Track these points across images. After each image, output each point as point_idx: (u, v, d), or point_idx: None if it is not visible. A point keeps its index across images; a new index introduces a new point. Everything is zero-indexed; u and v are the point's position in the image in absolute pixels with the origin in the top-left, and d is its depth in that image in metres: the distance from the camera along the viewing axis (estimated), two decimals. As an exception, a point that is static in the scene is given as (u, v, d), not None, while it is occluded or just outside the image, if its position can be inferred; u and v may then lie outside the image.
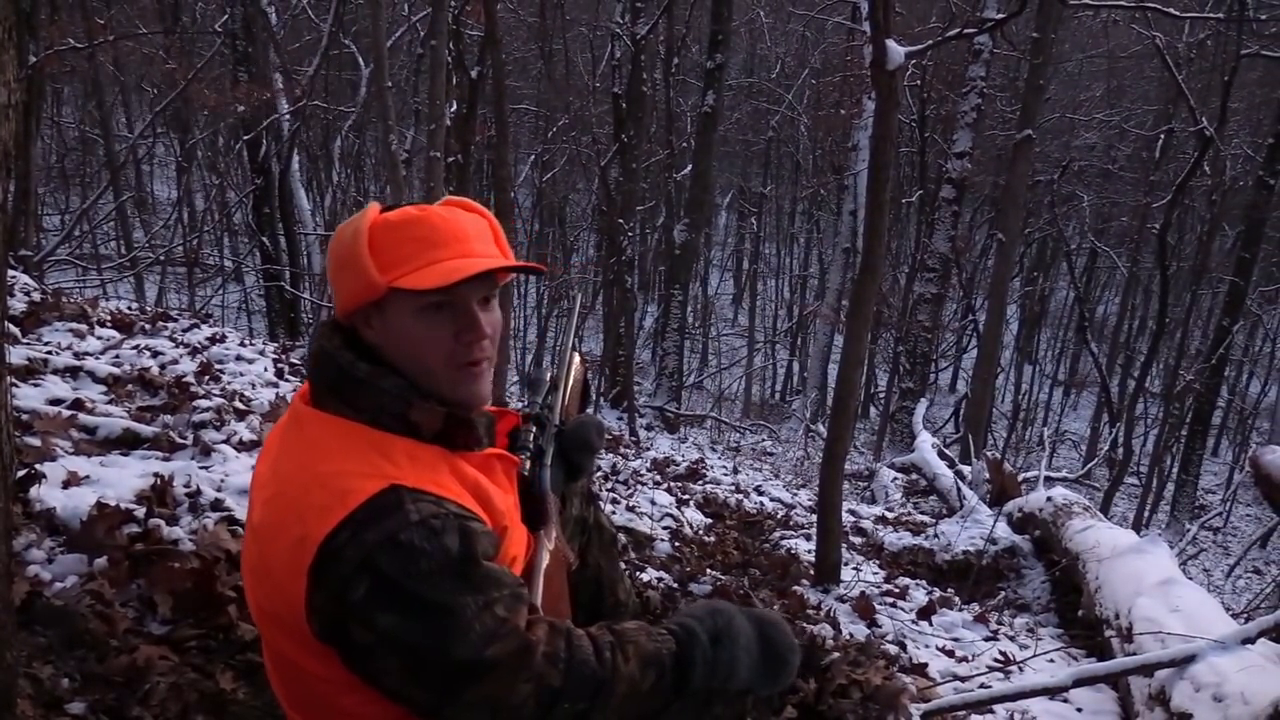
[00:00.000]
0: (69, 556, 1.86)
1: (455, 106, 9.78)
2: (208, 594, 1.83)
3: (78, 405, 2.74)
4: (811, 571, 3.47)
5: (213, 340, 4.56)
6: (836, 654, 2.32)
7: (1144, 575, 3.10)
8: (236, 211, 15.26)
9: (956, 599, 3.67)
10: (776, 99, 18.61)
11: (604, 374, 13.23)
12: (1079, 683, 2.43)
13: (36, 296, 4.20)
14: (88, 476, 2.19)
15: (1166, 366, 15.87)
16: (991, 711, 2.39)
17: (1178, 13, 8.21)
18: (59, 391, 2.85)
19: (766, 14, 19.13)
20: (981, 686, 2.51)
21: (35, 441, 2.33)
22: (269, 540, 1.11)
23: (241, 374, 3.93)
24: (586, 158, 16.19)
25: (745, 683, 1.19)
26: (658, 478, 5.62)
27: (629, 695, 1.11)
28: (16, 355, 2.99)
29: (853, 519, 5.37)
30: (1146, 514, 12.16)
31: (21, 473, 2.00)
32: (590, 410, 1.78)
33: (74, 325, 3.85)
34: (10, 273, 3.24)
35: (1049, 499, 4.55)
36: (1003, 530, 4.72)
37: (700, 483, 5.93)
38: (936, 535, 4.86)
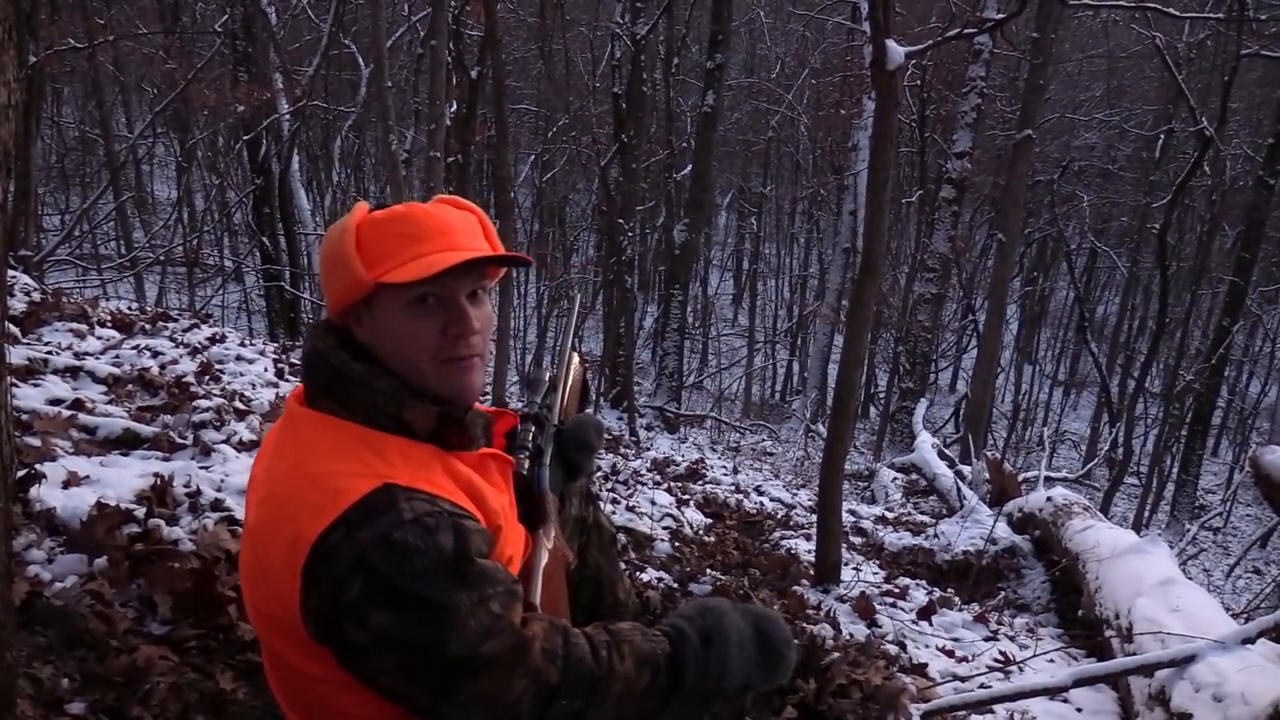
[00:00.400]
0: (69, 556, 1.86)
1: (455, 106, 9.78)
2: (208, 594, 1.83)
3: (78, 405, 2.74)
4: (811, 571, 3.47)
5: (213, 340, 4.56)
6: (836, 654, 2.32)
7: (1144, 575, 3.10)
8: (236, 211, 15.27)
9: (956, 599, 3.67)
10: (776, 99, 18.60)
11: (604, 374, 13.23)
12: (1079, 683, 2.43)
13: (36, 296, 4.20)
14: (88, 476, 2.19)
15: (1166, 366, 15.87)
16: (991, 711, 2.39)
17: (1178, 13, 8.22)
18: (59, 391, 2.85)
19: (766, 14, 19.13)
20: (981, 686, 2.51)
21: (35, 441, 2.33)
22: (264, 541, 1.11)
23: (241, 374, 3.93)
24: (586, 158, 16.19)
25: (741, 679, 1.19)
26: (658, 478, 5.62)
27: (624, 694, 1.12)
28: (16, 355, 2.99)
29: (853, 519, 5.37)
30: (1146, 514, 12.16)
31: (21, 473, 2.00)
32: (590, 410, 1.78)
33: (74, 325, 3.85)
34: (10, 273, 3.24)
35: (1049, 499, 4.55)
36: (1003, 530, 4.72)
37: (700, 483, 5.93)
38: (936, 535, 4.86)
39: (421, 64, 11.75)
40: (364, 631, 1.04)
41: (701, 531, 4.09)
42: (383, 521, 1.04)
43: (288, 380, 4.13)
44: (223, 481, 2.37)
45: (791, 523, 4.90)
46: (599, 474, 4.99)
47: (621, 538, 3.44)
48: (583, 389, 1.72)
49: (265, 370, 4.15)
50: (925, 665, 2.66)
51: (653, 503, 4.21)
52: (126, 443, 2.62)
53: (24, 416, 2.49)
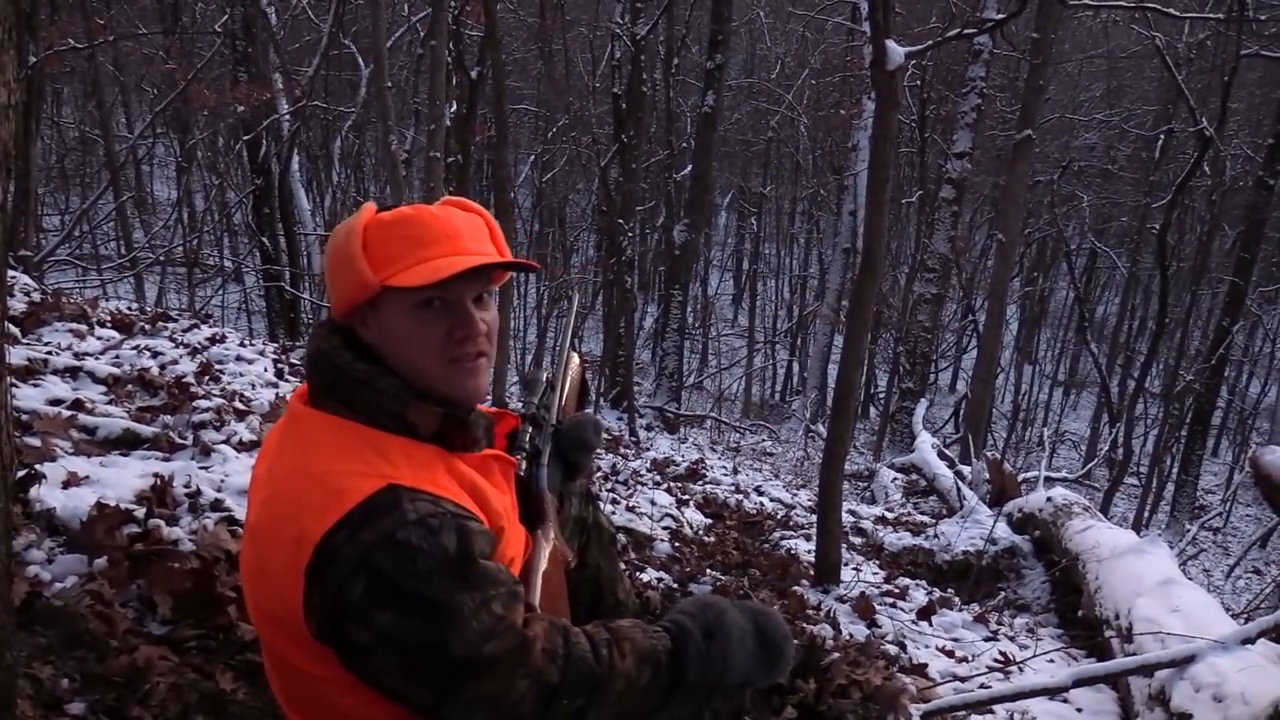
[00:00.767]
0: (69, 556, 1.85)
1: (455, 106, 9.78)
2: (208, 594, 1.83)
3: (78, 405, 2.74)
4: (811, 571, 3.47)
5: (213, 340, 4.56)
6: (836, 654, 2.32)
7: (1144, 575, 3.10)
8: (236, 212, 15.27)
9: (956, 599, 3.67)
10: (776, 99, 18.61)
11: (604, 374, 13.23)
12: (1079, 683, 2.43)
13: (36, 296, 4.20)
14: (88, 477, 2.19)
15: (1166, 366, 15.87)
16: (991, 711, 2.39)
17: (1178, 13, 8.22)
18: (59, 391, 2.85)
19: (766, 14, 19.13)
20: (981, 686, 2.51)
21: (35, 441, 2.33)
22: (266, 541, 1.11)
23: (241, 374, 3.93)
24: (586, 158, 16.19)
25: (743, 675, 1.19)
26: (658, 478, 5.62)
27: (626, 692, 1.12)
28: (16, 355, 2.98)
29: (853, 519, 5.37)
30: (1146, 514, 12.16)
31: (21, 473, 2.00)
32: (589, 410, 1.78)
33: (74, 325, 3.85)
34: (10, 273, 3.24)
35: (1049, 499, 4.55)
36: (1003, 530, 4.72)
37: (700, 483, 5.93)
38: (936, 535, 4.86)
39: (421, 64, 11.76)
40: (367, 631, 1.04)
41: (701, 531, 4.09)
42: (386, 522, 1.04)
43: (288, 380, 4.13)
44: (223, 481, 2.37)
45: (791, 523, 4.90)
46: (599, 474, 4.99)
47: (621, 538, 3.44)
48: (581, 389, 1.72)
49: (265, 370, 4.15)
50: (925, 665, 2.66)
51: (653, 503, 4.21)
52: (126, 443, 2.62)
53: (24, 416, 2.49)
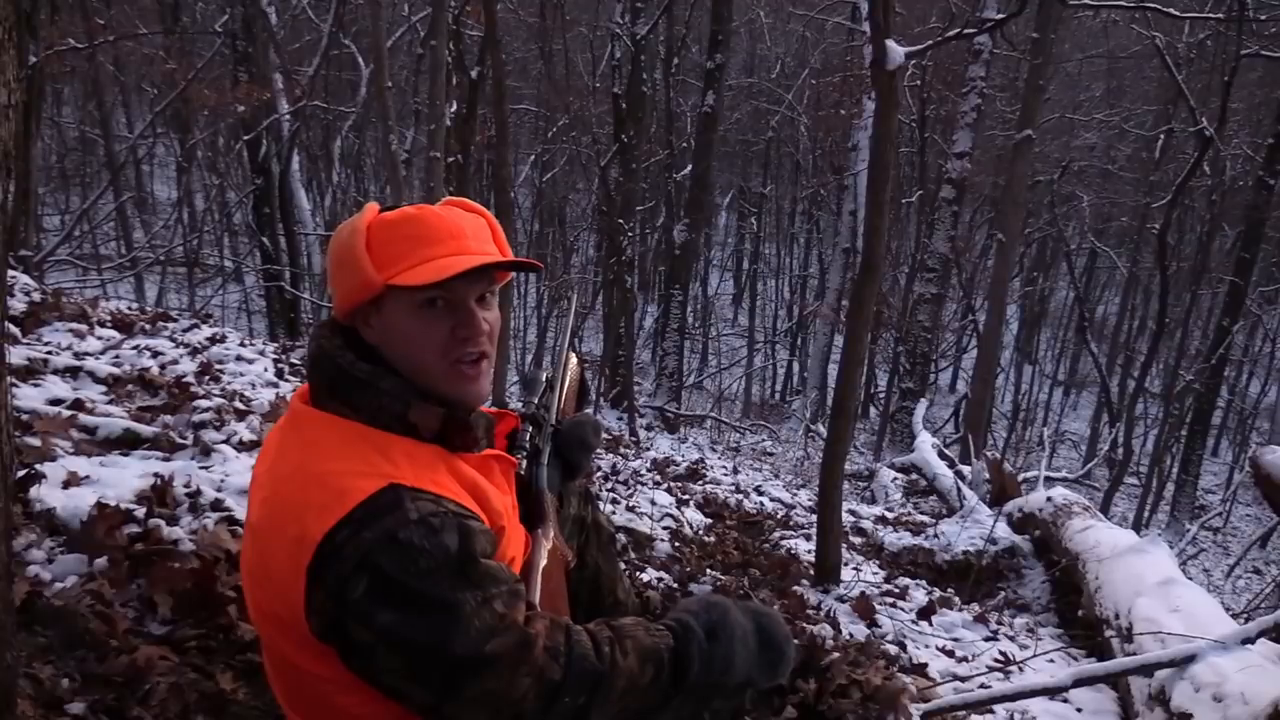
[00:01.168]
0: (69, 556, 1.85)
1: (455, 107, 9.78)
2: (208, 594, 1.83)
3: (78, 405, 2.74)
4: (811, 571, 3.47)
5: (213, 340, 4.56)
6: (836, 654, 2.32)
7: (1144, 575, 3.10)
8: (236, 211, 15.27)
9: (956, 599, 3.67)
10: (776, 99, 18.61)
11: (604, 374, 13.23)
12: (1079, 683, 2.44)
13: (36, 296, 4.20)
14: (88, 476, 2.19)
15: (1166, 366, 15.87)
16: (991, 711, 2.39)
17: (1178, 13, 8.21)
18: (59, 391, 2.85)
19: (766, 14, 19.13)
20: (981, 686, 2.51)
21: (35, 441, 2.33)
22: (267, 540, 1.11)
23: (241, 374, 3.93)
24: (586, 158, 16.20)
25: (744, 675, 1.19)
26: (658, 478, 5.62)
27: (628, 690, 1.12)
28: (16, 355, 2.99)
29: (853, 519, 5.37)
30: (1146, 514, 12.17)
31: (21, 473, 2.00)
32: (589, 410, 1.78)
33: (74, 325, 3.85)
34: (10, 273, 3.24)
35: (1049, 499, 4.55)
36: (1003, 530, 4.72)
37: (700, 483, 5.93)
38: (936, 535, 4.86)
39: (421, 64, 11.76)
40: (368, 631, 1.04)
41: (701, 531, 4.09)
42: (388, 521, 1.04)
43: (288, 380, 4.13)
44: (223, 481, 2.37)
45: (791, 523, 4.90)
46: (599, 474, 4.99)
47: (621, 538, 3.44)
48: (581, 389, 1.73)
49: (265, 370, 4.15)
50: (925, 665, 2.66)
51: (653, 503, 4.21)
52: (126, 443, 2.62)
53: (24, 416, 2.49)
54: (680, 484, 5.59)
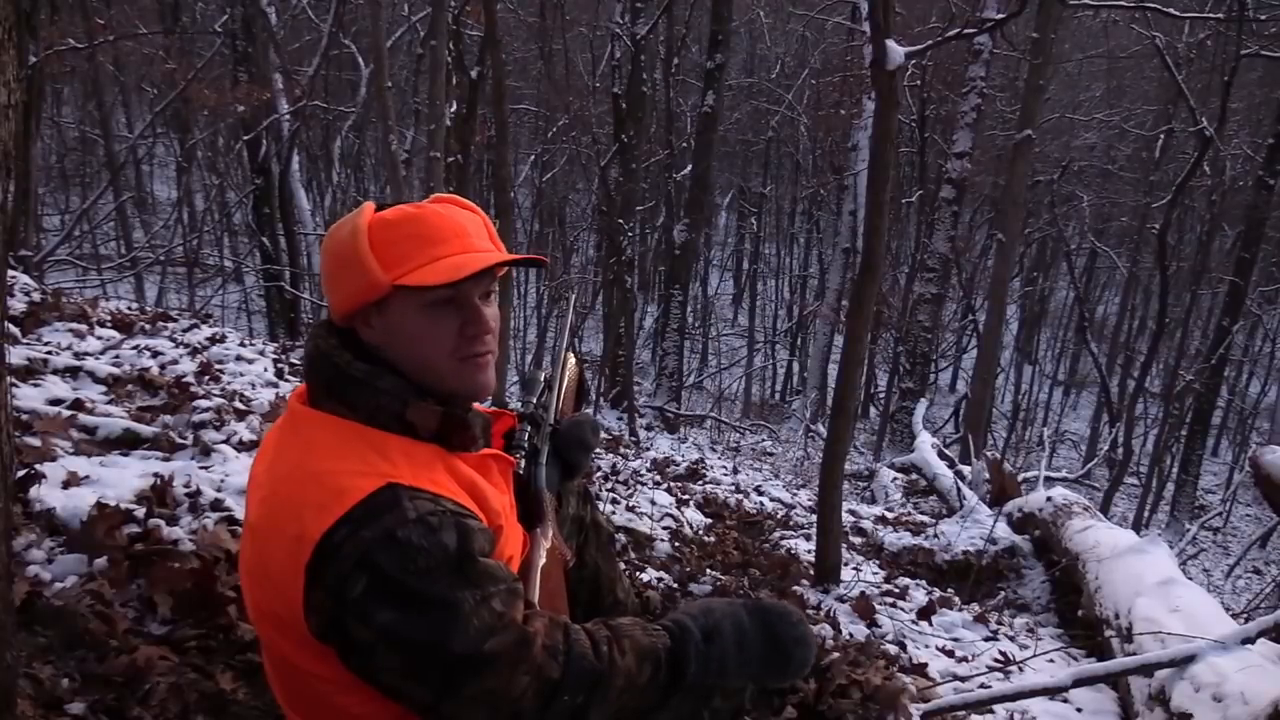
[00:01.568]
0: (69, 556, 1.85)
1: (455, 106, 9.78)
2: (208, 594, 1.83)
3: (78, 405, 2.74)
4: (811, 571, 3.47)
5: (213, 340, 4.56)
6: (836, 654, 2.32)
7: (1144, 575, 3.10)
8: (236, 211, 15.27)
9: (956, 599, 3.67)
10: (776, 99, 18.61)
11: (604, 374, 13.23)
12: (1079, 683, 2.44)
13: (36, 296, 4.20)
14: (88, 476, 2.19)
15: (1166, 366, 15.86)
16: (991, 711, 2.39)
17: (1178, 13, 8.23)
18: (59, 391, 2.85)
19: (766, 14, 19.13)
20: (981, 686, 2.51)
21: (35, 441, 2.33)
22: (266, 539, 1.11)
23: (241, 374, 3.93)
24: (586, 158, 16.19)
25: (741, 678, 1.19)
26: (658, 478, 5.62)
27: (626, 689, 1.12)
28: (16, 355, 2.99)
29: (853, 519, 5.37)
30: (1146, 514, 12.16)
31: (21, 473, 2.00)
32: (588, 410, 1.78)
33: (74, 325, 3.85)
34: (10, 273, 3.24)
35: (1049, 499, 4.55)
36: (1003, 530, 4.72)
37: (700, 483, 5.93)
38: (936, 535, 4.86)
39: (421, 64, 11.75)
40: (367, 630, 1.04)
41: (701, 531, 4.09)
42: (387, 520, 1.05)
43: (288, 380, 4.13)
44: (223, 481, 2.37)
45: (791, 523, 4.90)
46: (599, 474, 4.99)
47: (621, 538, 3.44)
48: (579, 389, 1.73)
49: (265, 370, 4.15)
50: (925, 665, 2.66)
51: (653, 503, 4.21)
52: (126, 443, 2.62)
53: (24, 416, 2.49)
54: (680, 484, 5.59)
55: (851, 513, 5.57)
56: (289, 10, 13.11)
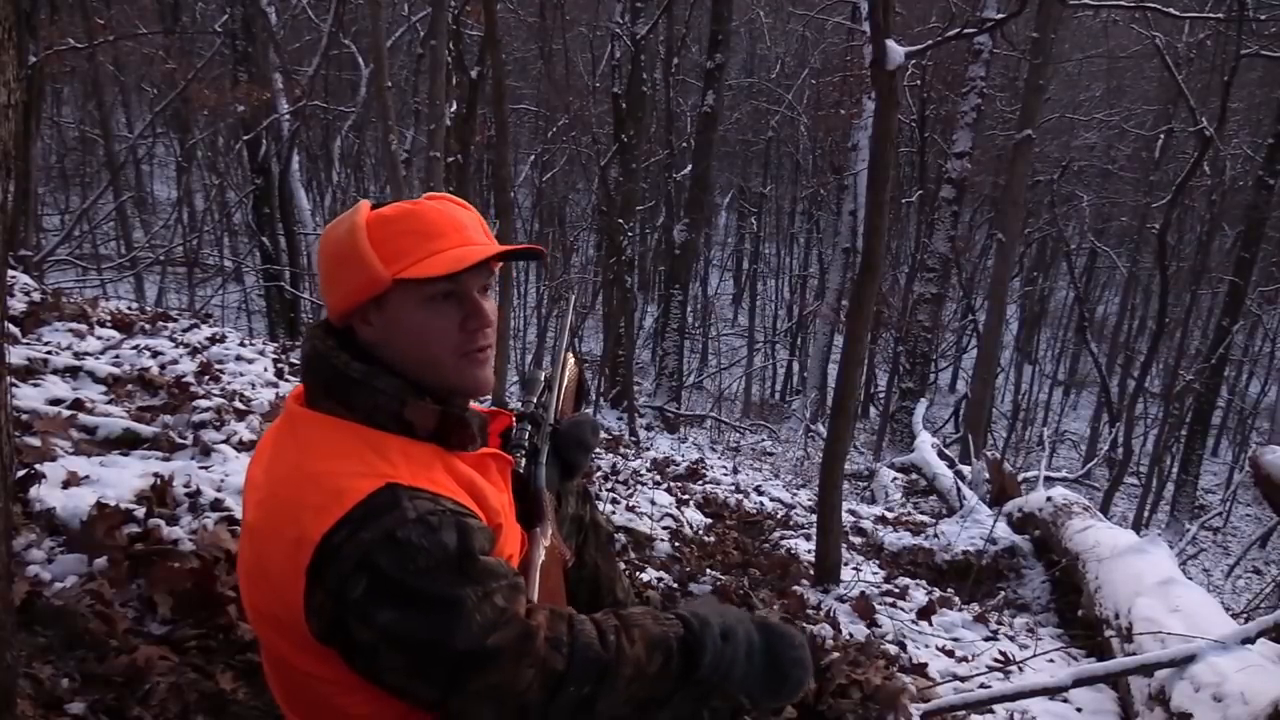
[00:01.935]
0: (69, 556, 1.85)
1: (455, 106, 9.78)
2: (208, 594, 1.83)
3: (78, 405, 2.74)
4: (811, 571, 3.47)
5: (213, 340, 4.56)
6: (836, 654, 2.32)
7: (1144, 575, 3.10)
8: (236, 211, 15.28)
9: (956, 599, 3.67)
10: (776, 99, 18.61)
11: (604, 374, 13.23)
12: (1079, 683, 2.44)
13: (36, 296, 4.20)
14: (88, 476, 2.19)
15: (1166, 366, 15.87)
16: (991, 711, 2.39)
17: (1178, 13, 8.23)
18: (59, 391, 2.85)
19: (766, 14, 19.13)
20: (981, 686, 2.51)
21: (35, 441, 2.33)
22: (265, 541, 1.11)
23: (241, 374, 3.93)
24: (586, 158, 16.20)
25: (740, 686, 1.19)
26: (658, 478, 5.62)
27: (635, 678, 1.11)
28: (16, 355, 2.99)
29: (853, 519, 5.37)
30: (1146, 514, 12.16)
31: (21, 473, 2.00)
32: (588, 410, 1.79)
33: (74, 325, 3.85)
34: (10, 273, 3.24)
35: (1049, 499, 4.55)
36: (1003, 530, 4.72)
37: (700, 483, 5.93)
38: (936, 535, 4.86)
39: (421, 64, 11.75)
40: (369, 630, 1.04)
41: (701, 531, 4.09)
42: (387, 520, 1.05)
43: (288, 380, 4.13)
44: (223, 481, 2.37)
45: (791, 523, 4.90)
46: (599, 474, 4.99)
47: (621, 537, 3.44)
48: (579, 389, 1.73)
49: (265, 370, 4.15)
50: (925, 665, 2.66)
51: (653, 503, 4.21)
52: (126, 443, 2.62)
53: (24, 416, 2.49)
54: (680, 484, 5.59)
55: (851, 513, 5.57)
56: (289, 10, 13.11)
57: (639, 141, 13.07)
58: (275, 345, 5.82)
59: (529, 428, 1.48)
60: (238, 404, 3.29)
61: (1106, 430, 14.04)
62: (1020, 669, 2.83)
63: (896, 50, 3.04)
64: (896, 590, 3.53)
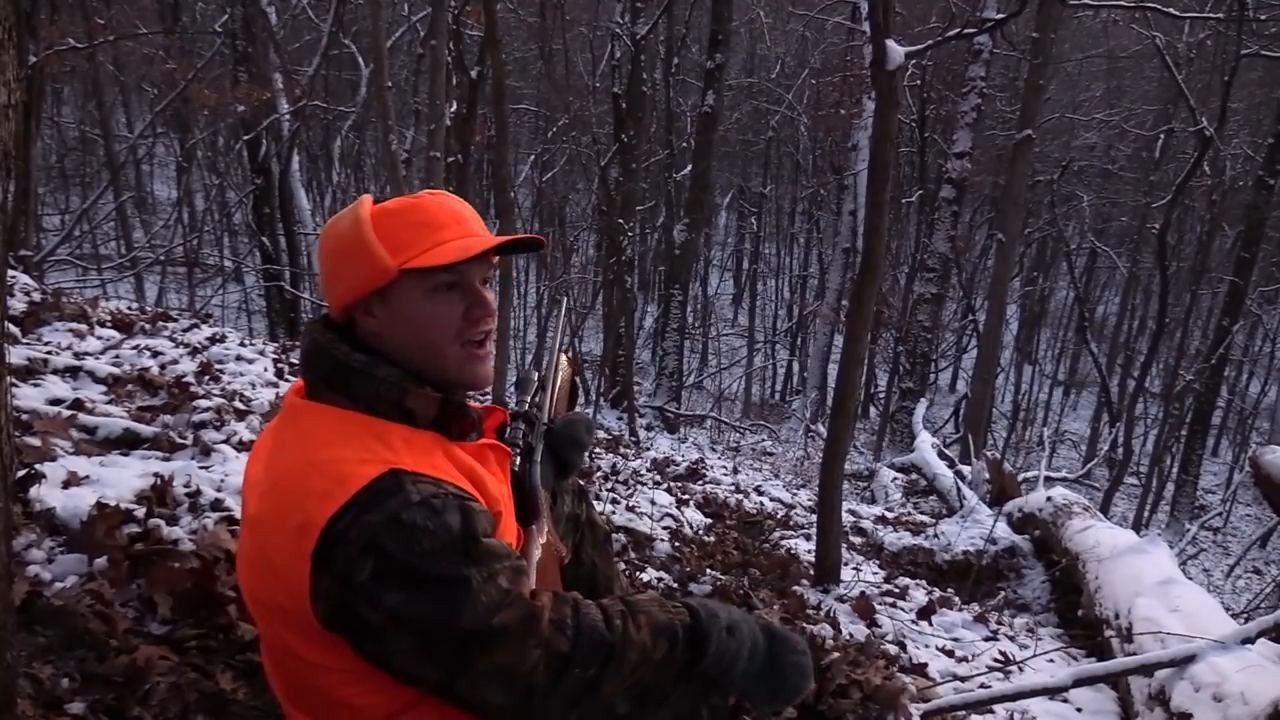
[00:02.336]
0: (69, 556, 1.86)
1: (455, 106, 9.78)
2: (208, 594, 1.83)
3: (78, 405, 2.74)
4: (811, 571, 3.47)
5: (213, 340, 4.56)
6: (836, 654, 2.32)
7: (1144, 575, 3.10)
8: (236, 211, 15.28)
9: (956, 599, 3.67)
10: (776, 99, 18.61)
11: (604, 374, 13.22)
12: (1079, 683, 2.44)
13: (36, 296, 4.20)
14: (88, 476, 2.19)
15: (1166, 366, 15.87)
16: (991, 711, 2.39)
17: (1178, 13, 8.23)
18: (59, 391, 2.85)
19: (766, 14, 19.13)
20: (981, 686, 2.51)
21: (35, 441, 2.33)
22: (268, 530, 1.12)
23: (241, 374, 3.93)
24: (586, 158, 16.20)
25: (740, 683, 1.19)
26: (658, 478, 5.62)
27: (640, 663, 1.12)
28: (16, 355, 2.99)
29: (853, 519, 5.37)
30: (1146, 514, 12.16)
31: (21, 473, 2.00)
32: (586, 410, 1.79)
33: (74, 325, 3.86)
34: (10, 273, 3.23)
35: (1049, 499, 4.55)
36: (1003, 530, 4.72)
37: (700, 483, 5.93)
38: (936, 535, 4.86)
39: (421, 64, 11.75)
40: (376, 613, 1.05)
41: (701, 531, 4.09)
42: (391, 504, 1.06)
43: (288, 380, 4.13)
44: (223, 481, 2.37)
45: (791, 523, 4.91)
46: (599, 474, 4.99)
47: (621, 537, 3.44)
48: (571, 389, 1.75)
49: (265, 370, 4.15)
50: (925, 665, 2.66)
51: (653, 503, 4.21)
52: (126, 443, 2.62)
53: (24, 416, 2.49)
54: (680, 484, 5.59)
55: (851, 513, 5.57)
56: (289, 10, 13.11)
57: (639, 141, 13.07)
58: (275, 345, 5.82)
59: (523, 426, 1.49)
60: (238, 404, 3.29)
61: (1106, 430, 14.04)
62: (1020, 669, 2.83)
63: (896, 50, 3.04)
64: (896, 590, 3.53)
